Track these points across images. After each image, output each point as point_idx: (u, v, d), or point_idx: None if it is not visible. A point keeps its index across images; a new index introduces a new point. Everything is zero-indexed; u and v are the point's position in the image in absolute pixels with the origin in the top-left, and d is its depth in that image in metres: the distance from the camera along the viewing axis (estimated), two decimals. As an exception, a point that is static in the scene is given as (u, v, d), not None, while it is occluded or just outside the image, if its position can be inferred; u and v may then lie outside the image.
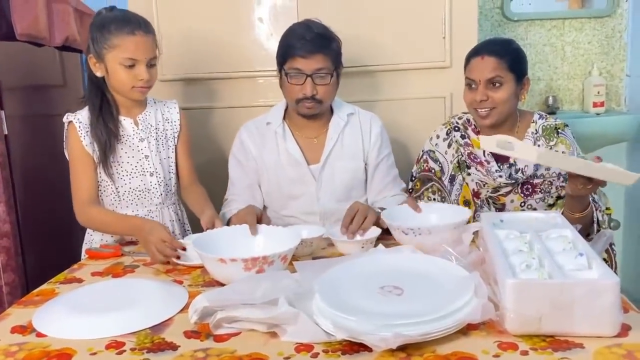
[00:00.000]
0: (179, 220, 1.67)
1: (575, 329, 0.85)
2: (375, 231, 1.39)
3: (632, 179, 1.25)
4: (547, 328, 0.85)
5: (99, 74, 1.49)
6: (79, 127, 1.49)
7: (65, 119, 1.52)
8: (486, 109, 1.55)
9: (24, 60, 1.93)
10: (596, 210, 1.49)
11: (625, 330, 0.86)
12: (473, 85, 1.56)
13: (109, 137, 1.50)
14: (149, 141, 1.57)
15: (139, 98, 1.53)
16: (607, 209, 1.66)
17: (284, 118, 1.69)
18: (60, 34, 1.89)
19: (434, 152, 1.71)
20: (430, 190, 1.70)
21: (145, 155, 1.56)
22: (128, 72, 1.46)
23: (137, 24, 1.47)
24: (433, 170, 1.70)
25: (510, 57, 1.54)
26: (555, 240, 1.05)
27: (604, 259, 1.53)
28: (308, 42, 1.53)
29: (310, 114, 1.62)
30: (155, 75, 1.51)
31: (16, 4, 1.71)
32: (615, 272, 1.54)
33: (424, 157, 1.72)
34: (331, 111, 1.70)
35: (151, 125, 1.59)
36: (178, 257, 1.31)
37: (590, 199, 1.49)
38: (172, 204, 1.65)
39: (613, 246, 1.57)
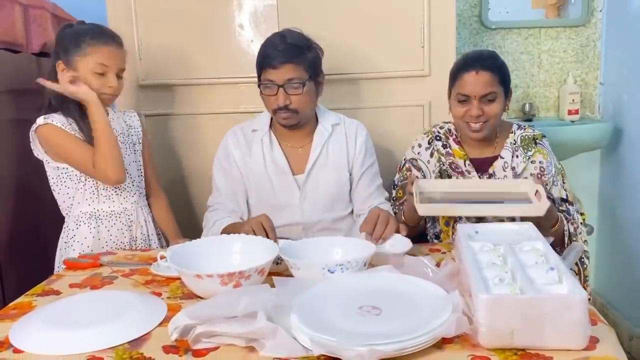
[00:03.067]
0: (152, 222, 1.73)
1: (545, 343, 0.87)
2: (406, 243, 1.31)
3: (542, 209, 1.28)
4: (519, 342, 0.88)
5: None
6: (62, 125, 1.54)
7: (41, 121, 1.55)
8: (480, 123, 1.57)
9: (1, 66, 1.90)
10: (568, 222, 1.52)
11: (593, 343, 0.89)
12: (465, 100, 1.57)
13: (89, 135, 1.55)
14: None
15: (105, 104, 1.60)
16: (582, 214, 1.71)
17: (270, 126, 1.70)
18: (37, 40, 1.87)
19: (416, 160, 1.72)
20: None
21: None
22: (98, 79, 1.54)
23: (112, 36, 1.57)
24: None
25: (500, 72, 1.57)
26: (527, 253, 1.07)
27: (574, 271, 1.57)
28: (279, 52, 1.54)
29: (288, 125, 1.62)
30: (121, 86, 1.60)
31: (-8, 10, 1.69)
32: (585, 285, 1.58)
33: (407, 165, 1.74)
34: (317, 120, 1.70)
35: (117, 130, 1.65)
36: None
37: (563, 214, 1.53)
38: (145, 205, 1.72)
39: (584, 260, 1.60)
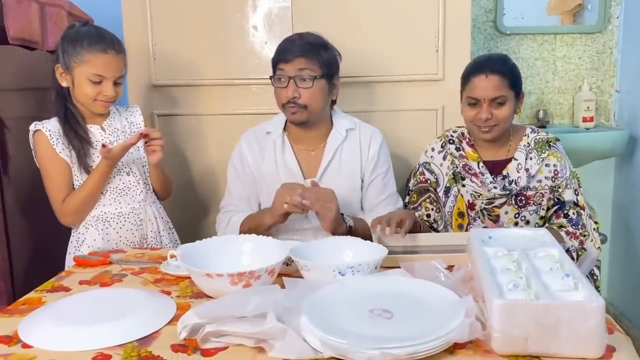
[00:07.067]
0: (162, 217, 1.71)
1: (561, 350, 0.85)
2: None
3: None
4: (533, 348, 0.86)
5: (64, 84, 1.56)
6: (49, 135, 1.54)
7: (32, 127, 1.56)
8: (489, 126, 1.57)
9: (17, 63, 1.92)
10: (571, 237, 1.51)
11: (609, 351, 0.87)
12: (476, 103, 1.57)
13: (82, 144, 1.55)
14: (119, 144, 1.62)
15: (101, 111, 1.60)
16: (595, 222, 1.69)
17: (284, 129, 1.69)
18: (53, 37, 1.87)
19: (429, 164, 1.72)
20: (427, 200, 1.71)
21: None
22: (94, 87, 1.52)
23: (110, 43, 1.54)
24: (429, 181, 1.71)
25: (510, 75, 1.57)
26: (542, 259, 1.06)
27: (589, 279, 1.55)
28: (294, 47, 1.58)
29: (296, 121, 1.61)
30: (120, 92, 1.58)
31: (9, 7, 1.69)
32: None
33: (420, 169, 1.73)
34: (332, 123, 1.69)
35: (118, 129, 1.65)
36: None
37: (566, 228, 1.52)
38: (153, 202, 1.69)
39: (594, 270, 1.59)
